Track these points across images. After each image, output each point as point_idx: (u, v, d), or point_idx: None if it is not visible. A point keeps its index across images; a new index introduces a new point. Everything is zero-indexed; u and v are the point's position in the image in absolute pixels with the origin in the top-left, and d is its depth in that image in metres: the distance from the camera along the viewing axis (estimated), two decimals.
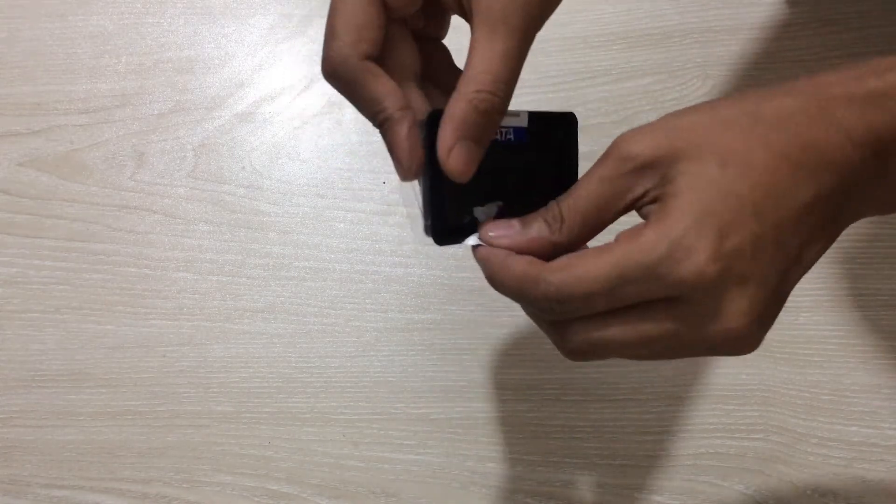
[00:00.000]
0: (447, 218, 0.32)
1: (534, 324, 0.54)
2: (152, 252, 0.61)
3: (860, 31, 0.66)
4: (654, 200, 0.29)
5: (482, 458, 0.54)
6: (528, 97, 0.65)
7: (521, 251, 0.31)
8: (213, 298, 0.59)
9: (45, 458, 0.55)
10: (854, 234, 0.57)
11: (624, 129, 0.67)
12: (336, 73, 0.32)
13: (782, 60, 0.65)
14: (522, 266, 0.30)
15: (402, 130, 0.30)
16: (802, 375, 0.56)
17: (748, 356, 0.56)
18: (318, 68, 0.71)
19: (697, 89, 0.64)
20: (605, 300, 0.28)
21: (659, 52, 0.66)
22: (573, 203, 0.31)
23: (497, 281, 0.31)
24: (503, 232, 0.32)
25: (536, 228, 0.31)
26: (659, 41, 0.66)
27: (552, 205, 0.31)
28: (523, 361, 0.57)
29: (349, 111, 0.65)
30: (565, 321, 0.30)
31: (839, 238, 0.31)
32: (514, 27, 0.29)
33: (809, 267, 0.31)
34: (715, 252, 0.27)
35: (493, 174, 0.33)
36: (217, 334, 0.58)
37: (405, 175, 0.31)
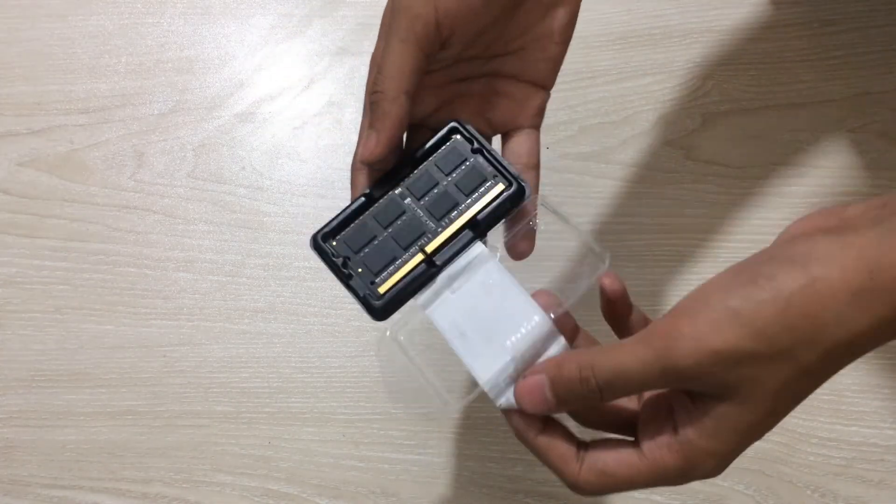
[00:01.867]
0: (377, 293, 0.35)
1: None
2: (152, 252, 0.61)
3: (860, 31, 0.66)
4: (687, 403, 0.31)
5: (482, 458, 0.54)
6: None
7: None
8: (213, 298, 0.59)
9: (45, 458, 0.55)
10: None
11: (624, 129, 0.68)
12: (380, 98, 0.36)
13: (782, 60, 0.65)
14: (557, 463, 0.35)
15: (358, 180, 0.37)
16: None
17: None
18: (317, 68, 0.72)
19: (697, 89, 0.64)
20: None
21: (659, 52, 0.66)
22: (616, 389, 0.31)
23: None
24: (540, 405, 0.34)
25: (573, 401, 0.33)
26: (659, 41, 0.66)
27: (588, 382, 0.31)
28: None
29: (349, 111, 0.65)
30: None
31: None
32: (387, 20, 0.35)
33: None
34: (715, 469, 0.32)
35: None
36: (217, 334, 0.58)
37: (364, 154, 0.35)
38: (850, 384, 0.55)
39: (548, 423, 0.34)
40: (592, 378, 0.31)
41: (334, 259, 0.36)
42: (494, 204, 0.36)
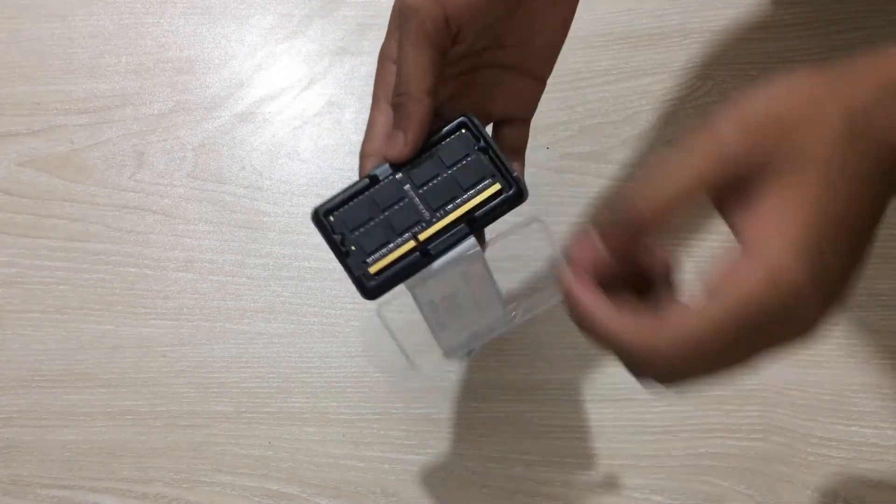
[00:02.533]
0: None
1: (533, 325, 0.54)
2: (152, 252, 0.61)
3: (860, 31, 0.66)
4: (743, 192, 0.28)
5: (482, 458, 0.54)
6: None
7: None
8: (212, 298, 0.59)
9: (45, 458, 0.55)
10: None
11: (624, 129, 0.68)
12: (407, 100, 0.37)
13: (782, 60, 0.65)
14: (630, 336, 0.29)
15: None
16: (802, 375, 0.56)
17: None
18: (317, 68, 0.72)
19: (697, 89, 0.64)
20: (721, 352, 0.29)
21: (659, 52, 0.66)
22: (658, 199, 0.30)
23: (596, 341, 0.31)
24: (587, 254, 0.32)
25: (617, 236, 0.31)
26: (659, 41, 0.66)
27: (629, 199, 0.30)
28: (523, 361, 0.57)
29: (349, 111, 0.65)
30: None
31: None
32: (393, 22, 0.36)
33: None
34: (809, 280, 0.27)
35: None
36: (217, 334, 0.58)
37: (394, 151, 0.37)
38: (851, 384, 0.55)
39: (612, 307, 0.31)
40: (628, 193, 0.30)
41: (333, 235, 0.36)
42: (492, 203, 0.37)
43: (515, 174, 0.37)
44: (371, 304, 0.37)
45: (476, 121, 0.37)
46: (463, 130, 0.37)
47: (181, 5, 0.70)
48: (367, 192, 0.37)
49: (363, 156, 0.38)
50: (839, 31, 0.66)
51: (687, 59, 0.66)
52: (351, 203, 0.37)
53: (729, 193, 0.29)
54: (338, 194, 0.37)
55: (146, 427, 0.56)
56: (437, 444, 0.55)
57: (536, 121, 0.63)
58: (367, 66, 0.66)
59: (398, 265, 0.36)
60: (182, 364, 0.58)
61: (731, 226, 0.29)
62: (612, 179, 0.61)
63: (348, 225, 0.37)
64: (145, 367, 0.57)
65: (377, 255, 0.36)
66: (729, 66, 0.65)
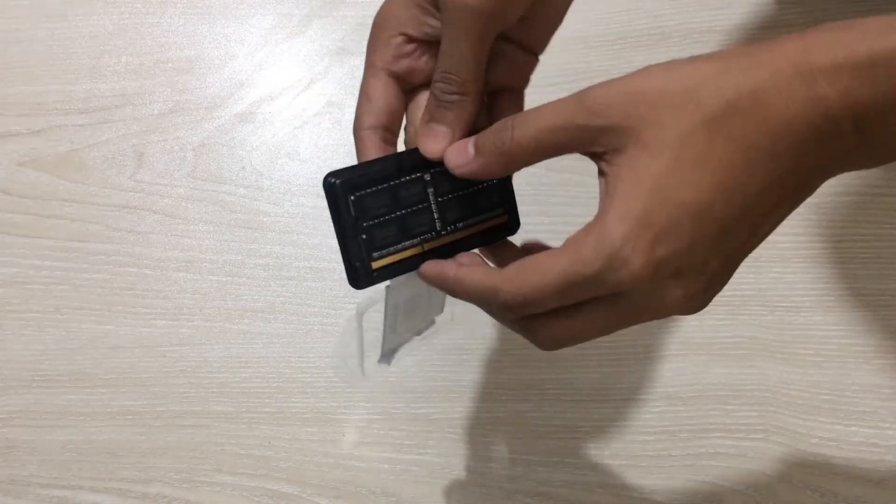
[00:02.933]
0: (362, 259, 0.35)
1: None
2: (152, 252, 0.61)
3: None
4: (607, 162, 0.31)
5: (482, 458, 0.54)
6: (529, 97, 0.64)
7: (477, 176, 0.33)
8: (213, 298, 0.59)
9: (45, 458, 0.55)
10: (854, 234, 0.56)
11: None
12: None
13: None
14: (477, 280, 0.33)
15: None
16: (802, 375, 0.56)
17: (748, 357, 0.56)
18: (317, 68, 0.72)
19: None
20: (557, 301, 0.31)
21: (659, 52, 0.66)
22: (528, 130, 0.32)
23: (457, 295, 0.34)
24: (461, 160, 0.33)
25: (488, 152, 0.33)
26: (659, 41, 0.66)
27: (505, 126, 0.32)
28: (523, 361, 0.57)
29: (349, 111, 0.65)
30: (527, 319, 0.33)
31: (839, 237, 0.31)
32: (454, 25, 0.34)
33: (770, 231, 0.32)
34: (647, 259, 0.29)
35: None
36: (217, 334, 0.58)
37: None
38: (851, 384, 0.55)
39: (461, 264, 0.34)
40: (510, 121, 0.31)
41: (347, 213, 0.34)
42: (492, 233, 0.37)
43: (517, 209, 0.37)
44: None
45: None
46: None
47: (181, 5, 0.70)
48: (392, 183, 0.35)
49: (360, 129, 0.36)
50: None
51: None
52: (374, 188, 0.34)
53: (596, 151, 0.31)
54: (360, 167, 0.35)
55: (146, 427, 0.56)
56: (437, 444, 0.55)
57: None
58: None
59: (397, 267, 0.36)
60: (182, 364, 0.58)
61: (601, 188, 0.31)
62: None
63: (366, 211, 0.34)
64: (145, 367, 0.57)
65: (384, 251, 0.35)
66: None
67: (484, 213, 0.37)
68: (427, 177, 0.35)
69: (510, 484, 0.54)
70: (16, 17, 0.69)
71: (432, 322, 0.43)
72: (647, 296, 0.31)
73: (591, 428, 0.55)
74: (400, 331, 0.41)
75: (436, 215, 0.36)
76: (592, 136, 0.30)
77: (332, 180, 0.34)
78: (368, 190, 0.34)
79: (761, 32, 0.66)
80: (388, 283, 0.37)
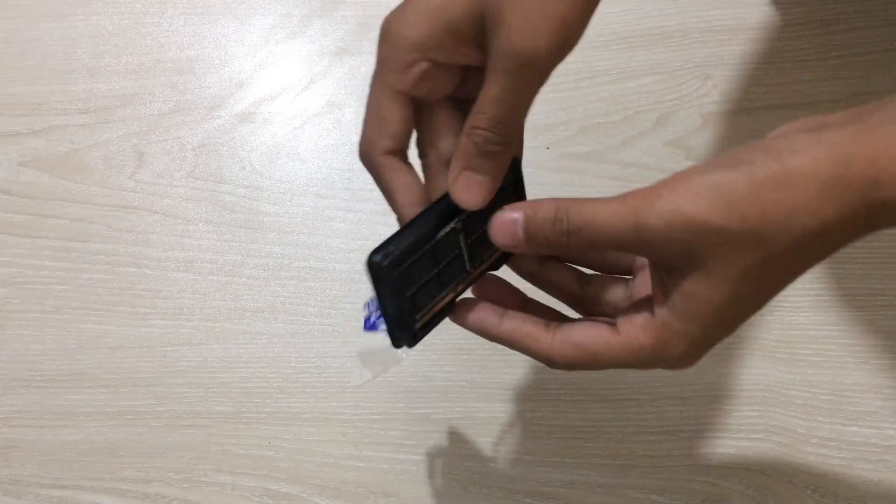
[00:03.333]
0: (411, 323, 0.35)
1: None
2: (152, 252, 0.61)
3: (860, 31, 0.66)
4: (662, 267, 0.32)
5: (482, 458, 0.54)
6: None
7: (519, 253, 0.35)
8: (213, 298, 0.59)
9: (45, 458, 0.55)
10: None
11: (624, 129, 0.68)
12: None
13: (782, 60, 0.65)
14: (528, 344, 0.35)
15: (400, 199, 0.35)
16: (802, 375, 0.55)
17: (748, 357, 0.56)
18: (317, 68, 0.72)
19: (697, 89, 0.64)
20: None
21: (659, 52, 0.66)
22: (582, 236, 0.32)
23: (498, 342, 0.36)
24: (509, 239, 0.33)
25: (541, 242, 0.33)
26: (659, 41, 0.66)
27: (560, 222, 0.32)
28: (523, 361, 0.57)
29: (349, 111, 0.65)
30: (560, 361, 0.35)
31: None
32: (512, 73, 0.32)
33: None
34: (684, 353, 0.32)
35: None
36: (217, 334, 0.58)
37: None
38: (851, 384, 0.55)
39: (506, 314, 0.35)
40: (565, 221, 0.31)
41: (393, 289, 0.33)
42: (503, 259, 0.37)
43: None
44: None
45: (521, 173, 0.36)
46: (511, 179, 0.36)
47: (181, 5, 0.70)
48: (431, 245, 0.33)
49: (376, 153, 0.34)
50: (839, 31, 0.66)
51: (687, 59, 0.66)
52: (416, 257, 0.33)
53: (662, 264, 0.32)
54: (399, 237, 0.33)
55: (146, 427, 0.56)
56: (437, 444, 0.55)
57: (536, 121, 0.64)
58: (366, 66, 0.66)
59: (437, 317, 0.36)
60: (182, 364, 0.58)
61: (652, 291, 0.33)
62: (612, 179, 0.61)
63: (411, 282, 0.33)
64: (145, 367, 0.57)
65: (424, 309, 0.35)
66: (729, 66, 0.65)
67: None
68: (458, 225, 0.34)
69: (510, 484, 0.54)
70: (16, 17, 0.69)
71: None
72: (663, 363, 0.33)
73: (591, 428, 0.55)
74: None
75: (466, 258, 0.35)
76: (650, 249, 0.31)
77: (379, 260, 0.32)
78: (411, 261, 0.33)
79: (761, 32, 0.66)
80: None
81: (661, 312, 0.32)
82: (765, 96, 0.64)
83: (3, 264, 0.61)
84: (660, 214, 0.29)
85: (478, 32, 0.32)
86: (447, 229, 0.33)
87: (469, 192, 0.33)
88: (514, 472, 0.54)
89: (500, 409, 0.56)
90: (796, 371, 0.55)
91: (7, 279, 0.60)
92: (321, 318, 0.59)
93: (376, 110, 0.34)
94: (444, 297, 0.35)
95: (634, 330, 0.32)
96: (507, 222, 0.32)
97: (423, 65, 0.33)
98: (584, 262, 0.39)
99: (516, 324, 0.34)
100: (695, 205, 0.29)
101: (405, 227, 0.33)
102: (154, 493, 0.54)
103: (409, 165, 0.36)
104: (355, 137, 0.36)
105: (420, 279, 0.34)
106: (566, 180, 0.62)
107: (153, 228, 0.61)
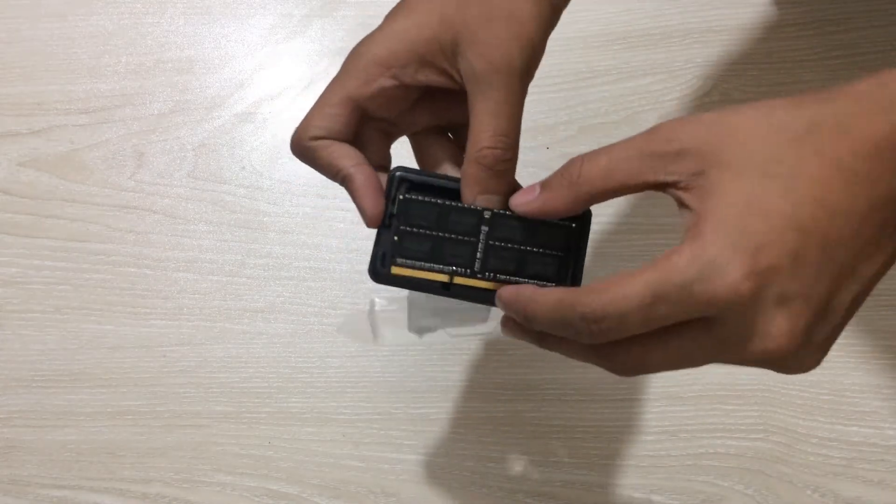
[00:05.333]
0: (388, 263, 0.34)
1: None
2: (152, 252, 0.61)
3: (860, 31, 0.66)
4: (686, 189, 0.29)
5: (482, 458, 0.54)
6: (529, 97, 0.64)
7: (543, 213, 0.32)
8: (213, 298, 0.59)
9: (45, 458, 0.55)
10: None
11: (624, 129, 0.68)
12: (295, 150, 0.36)
13: (782, 60, 0.65)
14: (557, 294, 0.30)
15: (360, 180, 0.34)
16: (802, 375, 0.55)
17: None
18: (317, 68, 0.72)
19: (697, 89, 0.64)
20: (641, 320, 0.28)
21: (659, 52, 0.66)
22: (598, 161, 0.30)
23: (531, 315, 0.31)
24: (527, 198, 0.32)
25: (556, 185, 0.31)
26: (659, 41, 0.66)
27: (574, 161, 0.30)
28: (523, 361, 0.57)
29: None
30: (606, 347, 0.30)
31: None
32: (499, 86, 0.33)
33: (871, 284, 0.30)
34: (749, 270, 0.26)
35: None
36: (217, 334, 0.58)
37: (369, 221, 0.34)
38: (851, 384, 0.55)
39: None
40: (580, 161, 0.30)
41: (391, 206, 0.34)
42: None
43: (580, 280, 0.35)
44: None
45: (589, 223, 0.35)
46: (573, 224, 0.34)
47: (181, 5, 0.70)
48: (448, 203, 0.34)
49: (350, 168, 0.34)
50: (839, 31, 0.66)
51: (687, 59, 0.66)
52: (427, 199, 0.34)
53: (670, 181, 0.29)
54: (431, 175, 0.35)
55: (146, 427, 0.56)
56: (437, 444, 0.55)
57: (536, 121, 0.64)
58: None
59: (416, 283, 0.34)
60: (182, 364, 0.58)
61: (682, 206, 0.30)
62: None
63: (408, 216, 0.34)
64: (145, 367, 0.57)
65: (407, 263, 0.34)
66: (729, 66, 0.65)
67: (529, 277, 0.34)
68: (487, 214, 0.34)
69: (510, 484, 0.54)
70: (16, 17, 0.69)
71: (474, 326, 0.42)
72: (746, 322, 0.27)
73: (590, 428, 0.55)
74: (427, 312, 0.41)
75: (479, 254, 0.34)
76: (666, 161, 0.29)
77: (397, 173, 0.34)
78: (420, 198, 0.33)
79: (761, 32, 0.66)
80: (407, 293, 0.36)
81: (690, 233, 0.28)
82: (765, 96, 0.64)
83: (3, 264, 0.61)
84: (672, 121, 0.29)
85: (448, 54, 0.34)
86: (474, 205, 0.33)
87: (524, 196, 0.33)
88: (514, 472, 0.54)
89: (499, 409, 0.56)
90: None
91: (7, 279, 0.60)
92: (321, 318, 0.59)
93: (322, 105, 0.35)
94: (434, 271, 0.34)
95: (668, 253, 0.28)
96: (527, 188, 0.32)
97: (386, 81, 0.34)
98: None
99: (548, 289, 0.31)
100: (705, 114, 0.29)
101: (445, 175, 0.35)
102: (154, 493, 0.54)
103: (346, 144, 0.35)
104: None
105: (419, 226, 0.34)
106: None
107: (153, 228, 0.61)
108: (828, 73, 0.64)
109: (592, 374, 0.56)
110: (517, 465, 0.54)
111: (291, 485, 0.54)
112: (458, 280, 0.34)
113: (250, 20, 0.69)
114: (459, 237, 0.34)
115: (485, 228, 0.34)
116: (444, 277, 0.34)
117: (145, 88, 0.66)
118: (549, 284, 0.34)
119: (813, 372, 0.56)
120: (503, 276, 0.34)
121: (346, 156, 0.35)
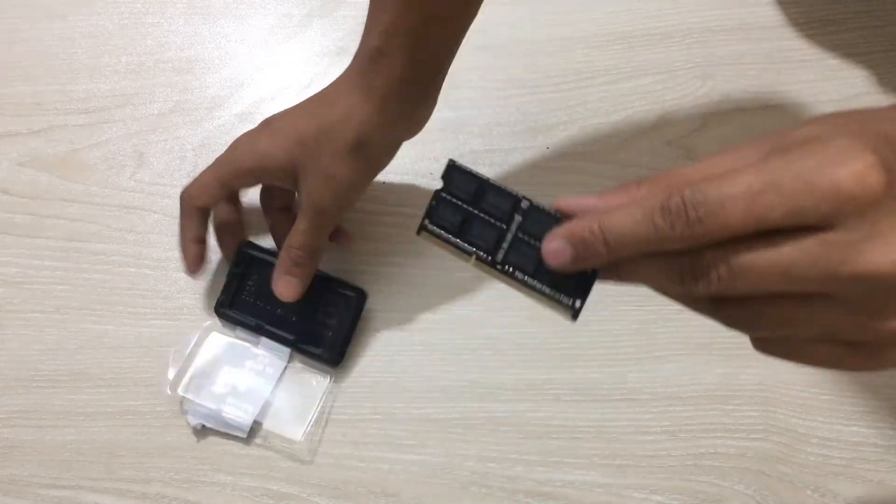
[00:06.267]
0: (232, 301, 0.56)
1: (533, 325, 0.54)
2: (152, 252, 0.61)
3: (860, 31, 0.66)
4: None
5: (482, 458, 0.54)
6: (529, 97, 0.65)
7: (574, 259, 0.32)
8: (213, 298, 0.59)
9: (45, 458, 0.55)
10: None
11: (624, 129, 0.68)
12: (183, 203, 0.54)
13: (782, 61, 0.65)
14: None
15: (192, 251, 0.55)
16: (802, 375, 0.56)
17: (748, 357, 0.56)
18: (317, 68, 0.72)
19: (697, 89, 0.64)
20: (743, 212, 0.23)
21: (659, 52, 0.66)
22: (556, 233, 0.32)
23: (613, 232, 0.28)
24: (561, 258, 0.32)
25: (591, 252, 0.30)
26: (659, 41, 0.66)
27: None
28: (523, 361, 0.57)
29: None
30: (698, 259, 0.26)
31: None
32: (311, 217, 0.50)
33: None
34: (881, 159, 0.22)
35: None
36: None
37: (187, 273, 0.56)
38: (851, 384, 0.55)
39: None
40: (599, 231, 0.30)
41: (448, 187, 0.34)
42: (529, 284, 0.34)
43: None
44: None
45: (595, 276, 0.34)
46: None
47: (181, 5, 0.70)
48: (490, 181, 0.34)
49: (188, 242, 0.56)
50: (839, 31, 0.66)
51: (687, 59, 0.66)
52: (473, 174, 0.34)
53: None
54: (260, 250, 0.56)
55: (146, 427, 0.56)
56: (437, 444, 0.55)
57: (536, 120, 0.64)
58: None
59: (444, 244, 0.34)
60: None
61: None
62: (611, 179, 0.61)
63: (450, 186, 0.34)
64: (145, 367, 0.57)
65: (437, 230, 0.34)
66: (729, 66, 0.65)
67: (550, 286, 0.33)
68: (525, 204, 0.34)
69: (510, 484, 0.54)
70: (16, 17, 0.69)
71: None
72: (871, 224, 0.22)
73: (591, 428, 0.55)
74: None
75: (505, 245, 0.33)
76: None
77: (453, 162, 0.35)
78: (467, 170, 0.34)
79: (761, 32, 0.66)
80: None
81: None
82: (765, 96, 0.64)
83: (3, 264, 0.61)
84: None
85: (292, 178, 0.50)
86: (513, 191, 0.34)
87: (287, 288, 0.52)
88: (514, 472, 0.54)
89: (500, 409, 0.56)
90: (796, 371, 0.55)
91: (7, 279, 0.60)
92: None
93: (207, 182, 0.53)
94: (458, 249, 0.34)
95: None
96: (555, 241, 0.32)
97: (248, 180, 0.53)
98: None
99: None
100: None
101: (274, 253, 0.56)
102: (154, 493, 0.54)
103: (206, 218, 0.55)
104: None
105: (455, 196, 0.34)
106: (566, 180, 0.62)
107: (153, 228, 0.61)
108: (828, 73, 0.64)
109: (593, 374, 0.56)
110: (517, 465, 0.54)
111: (291, 485, 0.54)
112: (475, 265, 0.34)
113: (250, 20, 0.69)
114: (489, 219, 0.34)
115: (518, 218, 0.34)
116: (464, 258, 0.34)
117: (145, 88, 0.66)
118: (562, 297, 0.33)
119: (813, 372, 0.57)
120: (519, 275, 0.33)
121: (191, 228, 0.54)
